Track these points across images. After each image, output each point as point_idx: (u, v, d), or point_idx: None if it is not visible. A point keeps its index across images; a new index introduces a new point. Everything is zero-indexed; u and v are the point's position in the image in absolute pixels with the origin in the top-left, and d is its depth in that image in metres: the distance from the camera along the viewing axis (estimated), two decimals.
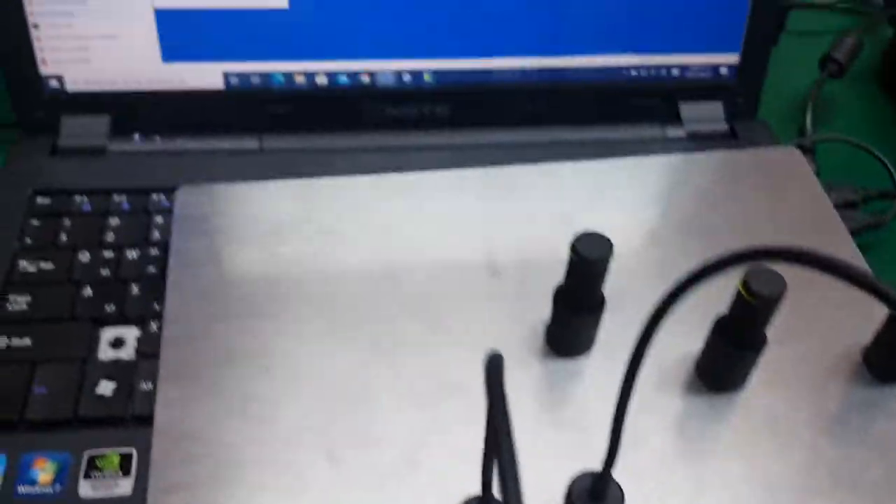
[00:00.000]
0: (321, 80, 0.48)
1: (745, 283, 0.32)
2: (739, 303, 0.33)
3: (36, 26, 0.45)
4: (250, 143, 0.48)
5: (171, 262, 0.38)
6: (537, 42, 0.48)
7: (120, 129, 0.47)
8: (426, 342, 0.36)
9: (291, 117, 0.49)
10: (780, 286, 0.32)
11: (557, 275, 0.38)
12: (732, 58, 0.50)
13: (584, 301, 0.34)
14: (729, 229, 0.41)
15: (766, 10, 0.49)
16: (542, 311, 0.37)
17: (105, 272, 0.40)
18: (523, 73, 0.49)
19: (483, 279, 0.39)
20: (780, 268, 0.32)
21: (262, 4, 0.45)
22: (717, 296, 0.35)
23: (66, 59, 0.46)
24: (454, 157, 0.48)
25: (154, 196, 0.44)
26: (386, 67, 0.48)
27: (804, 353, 0.36)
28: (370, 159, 0.48)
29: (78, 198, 0.44)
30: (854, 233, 0.42)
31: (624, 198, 0.43)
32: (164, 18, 0.45)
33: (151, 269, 0.41)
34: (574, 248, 0.32)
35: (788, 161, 0.46)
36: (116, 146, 0.47)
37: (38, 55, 0.45)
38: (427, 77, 0.49)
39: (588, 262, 0.32)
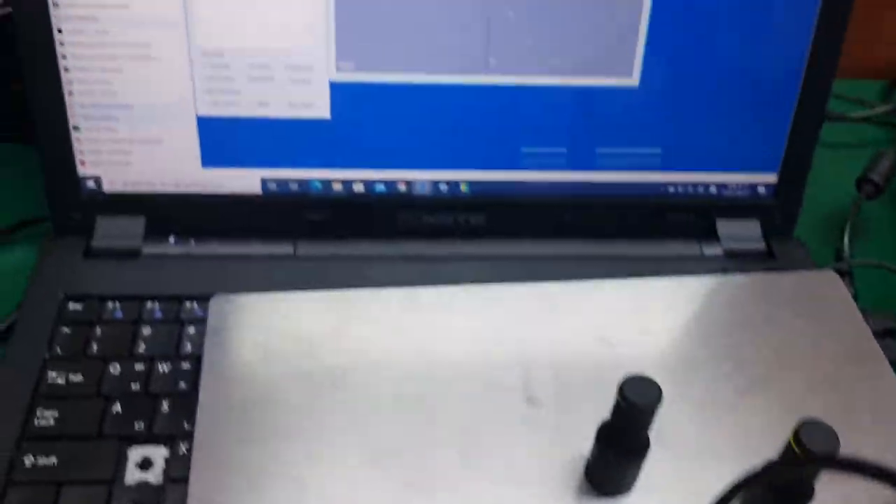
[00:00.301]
0: (358, 188, 0.48)
1: (797, 437, 0.31)
2: (789, 456, 0.32)
3: (76, 128, 0.45)
4: (285, 248, 0.48)
5: (203, 379, 0.38)
6: (574, 157, 0.48)
7: (155, 231, 0.47)
8: (461, 474, 0.35)
9: (327, 223, 0.48)
10: (834, 443, 0.31)
11: (595, 403, 0.37)
12: (770, 177, 0.50)
13: (628, 443, 0.33)
14: (767, 357, 0.41)
15: (806, 132, 0.49)
16: (581, 442, 0.36)
17: (135, 386, 0.40)
18: (560, 185, 0.49)
19: (520, 406, 0.38)
20: (832, 419, 0.31)
21: (305, 115, 0.45)
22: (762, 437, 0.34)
23: (105, 160, 0.46)
24: (490, 267, 0.48)
25: (187, 304, 0.43)
26: (423, 177, 0.48)
27: (847, 500, 0.35)
28: (405, 268, 0.48)
29: (110, 304, 0.43)
30: (893, 363, 0.41)
31: (663, 319, 0.42)
32: (206, 125, 0.45)
33: (182, 384, 0.40)
34: (622, 392, 0.32)
35: (828, 286, 0.45)
36: (151, 249, 0.46)
37: (78, 156, 0.45)
38: (464, 187, 0.49)
39: (636, 408, 0.32)
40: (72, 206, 0.47)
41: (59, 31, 0.42)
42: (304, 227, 0.48)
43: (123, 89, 0.44)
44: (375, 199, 0.48)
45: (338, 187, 0.48)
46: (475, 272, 0.48)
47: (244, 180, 0.47)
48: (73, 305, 0.43)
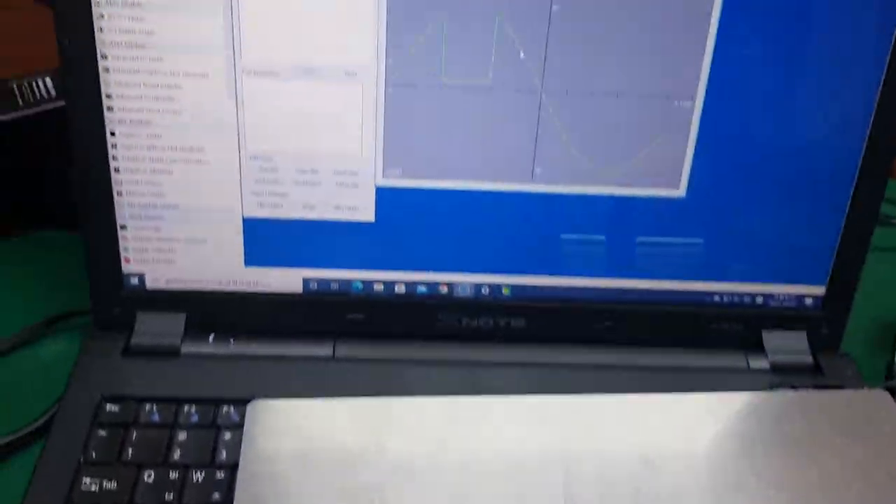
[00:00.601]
0: (399, 289, 0.48)
1: None
2: None
3: (123, 227, 0.45)
4: (324, 350, 0.47)
5: (238, 492, 0.37)
6: (617, 264, 0.48)
7: (195, 329, 0.47)
8: None
9: (367, 323, 0.48)
10: None
11: None
12: (818, 289, 0.49)
13: None
14: (815, 480, 0.39)
15: (855, 245, 0.48)
16: None
17: (169, 496, 0.39)
18: (602, 291, 0.48)
19: None
20: None
21: (350, 217, 0.45)
22: None
23: (150, 258, 0.46)
24: (530, 375, 0.47)
25: (224, 408, 0.43)
26: (465, 280, 0.48)
27: None
28: (444, 373, 0.47)
29: (147, 406, 0.43)
30: None
31: (707, 439, 0.41)
32: (251, 226, 0.45)
33: (217, 495, 0.39)
34: None
35: (878, 405, 0.44)
36: (190, 347, 0.46)
37: (123, 254, 0.46)
38: (506, 291, 0.48)
39: None
40: (114, 302, 0.47)
41: (112, 133, 0.43)
42: (344, 327, 0.48)
43: (172, 190, 0.44)
44: (416, 299, 0.48)
45: (379, 288, 0.48)
46: (515, 379, 0.47)
47: (286, 279, 0.47)
48: (110, 407, 0.43)
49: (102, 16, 0.41)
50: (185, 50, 0.41)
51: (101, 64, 0.41)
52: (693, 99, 0.44)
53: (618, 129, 0.44)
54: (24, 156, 0.53)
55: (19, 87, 0.52)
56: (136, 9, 0.40)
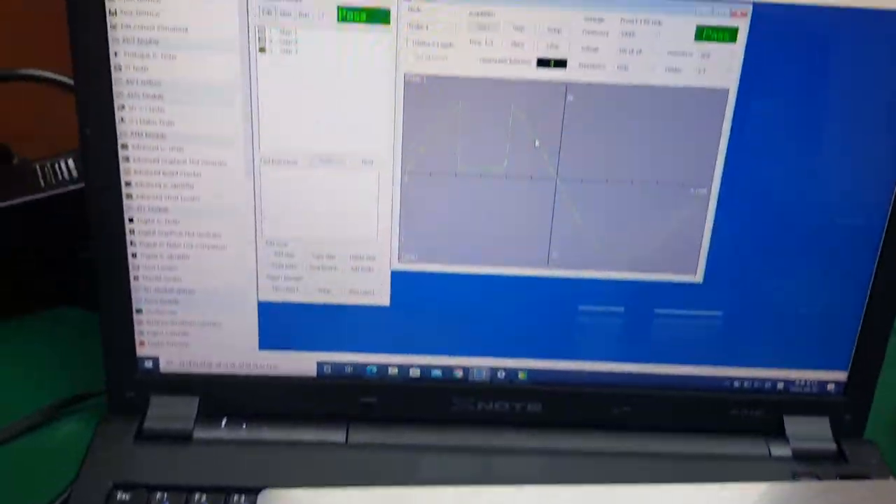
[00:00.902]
0: (414, 373, 0.47)
1: None
2: None
3: (139, 311, 0.45)
4: (337, 435, 0.47)
5: None
6: (634, 348, 0.47)
7: (208, 412, 0.47)
8: None
9: (380, 406, 0.47)
10: None
11: None
12: (840, 374, 0.48)
13: None
14: None
15: (876, 330, 0.47)
16: None
17: None
18: (619, 376, 0.48)
19: None
20: None
21: (365, 301, 0.45)
22: None
23: (164, 342, 0.46)
24: (545, 461, 0.46)
25: (235, 496, 0.42)
26: (481, 364, 0.47)
27: None
28: (458, 459, 0.46)
29: (158, 495, 0.42)
30: None
31: None
32: (266, 310, 0.45)
33: None
34: None
35: None
36: (202, 432, 0.46)
37: (138, 337, 0.46)
38: (522, 375, 0.48)
39: None
40: (127, 385, 0.46)
41: (131, 220, 0.43)
42: (357, 411, 0.47)
43: (188, 274, 0.44)
44: (431, 384, 0.48)
45: (393, 372, 0.47)
46: (531, 466, 0.46)
47: (300, 363, 0.47)
48: (121, 495, 0.42)
49: (123, 106, 0.41)
50: (205, 140, 0.42)
51: (122, 153, 0.42)
52: (709, 187, 0.44)
53: (633, 215, 0.44)
54: (44, 235, 0.54)
55: (42, 169, 0.53)
56: (157, 100, 0.41)
